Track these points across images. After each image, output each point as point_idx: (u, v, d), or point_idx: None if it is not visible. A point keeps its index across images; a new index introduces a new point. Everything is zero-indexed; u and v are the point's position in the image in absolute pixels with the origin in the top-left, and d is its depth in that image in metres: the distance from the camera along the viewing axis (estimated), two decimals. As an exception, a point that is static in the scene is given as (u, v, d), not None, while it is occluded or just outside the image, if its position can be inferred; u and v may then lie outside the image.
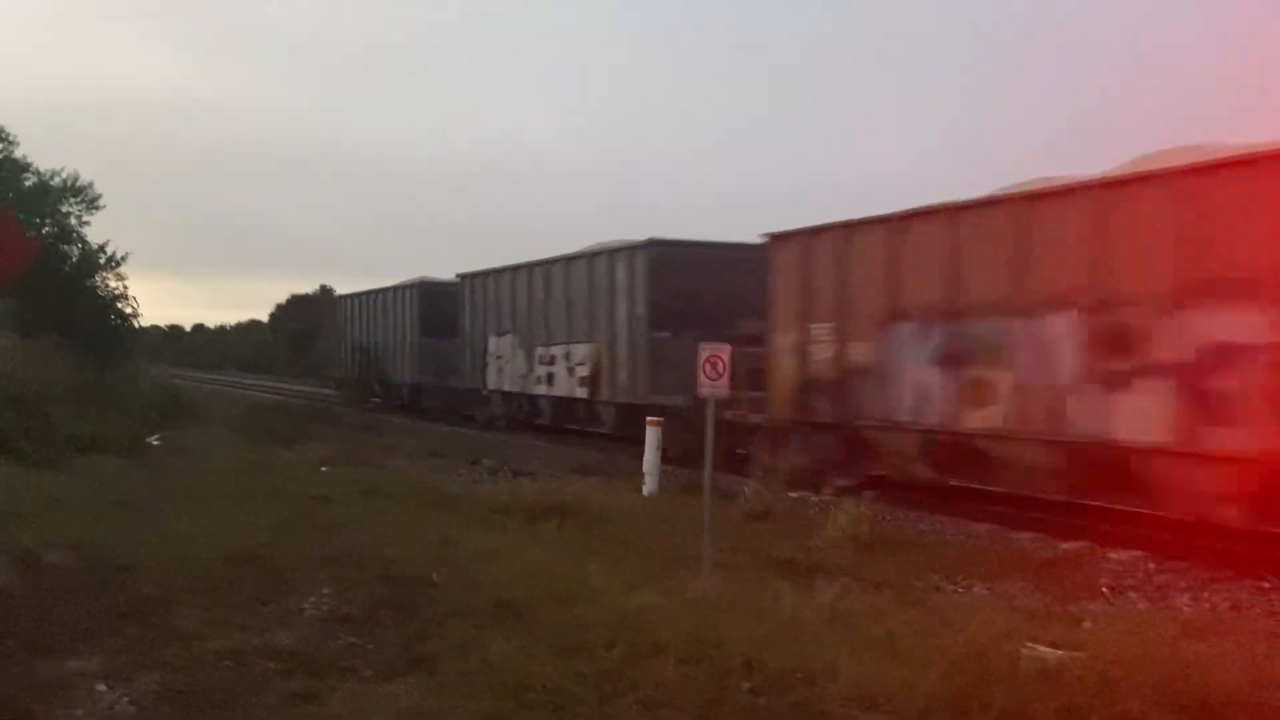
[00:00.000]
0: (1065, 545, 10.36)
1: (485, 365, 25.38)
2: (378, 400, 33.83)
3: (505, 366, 24.51)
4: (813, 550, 9.25)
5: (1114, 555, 9.89)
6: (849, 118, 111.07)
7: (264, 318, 78.59)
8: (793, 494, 13.17)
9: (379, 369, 32.96)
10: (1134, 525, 10.84)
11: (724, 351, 9.32)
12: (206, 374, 61.96)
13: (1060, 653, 6.11)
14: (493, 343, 25.02)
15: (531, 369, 22.91)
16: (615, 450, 18.54)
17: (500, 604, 7.01)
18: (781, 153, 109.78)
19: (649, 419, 14.60)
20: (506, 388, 24.33)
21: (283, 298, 74.11)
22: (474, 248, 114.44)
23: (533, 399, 23.20)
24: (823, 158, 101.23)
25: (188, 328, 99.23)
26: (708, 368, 9.06)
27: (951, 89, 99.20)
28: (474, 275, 26.22)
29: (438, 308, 29.01)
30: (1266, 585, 8.66)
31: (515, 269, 23.80)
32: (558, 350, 21.97)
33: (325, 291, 71.63)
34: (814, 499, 13.15)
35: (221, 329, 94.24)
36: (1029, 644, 6.35)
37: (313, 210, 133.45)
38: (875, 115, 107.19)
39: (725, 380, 9.15)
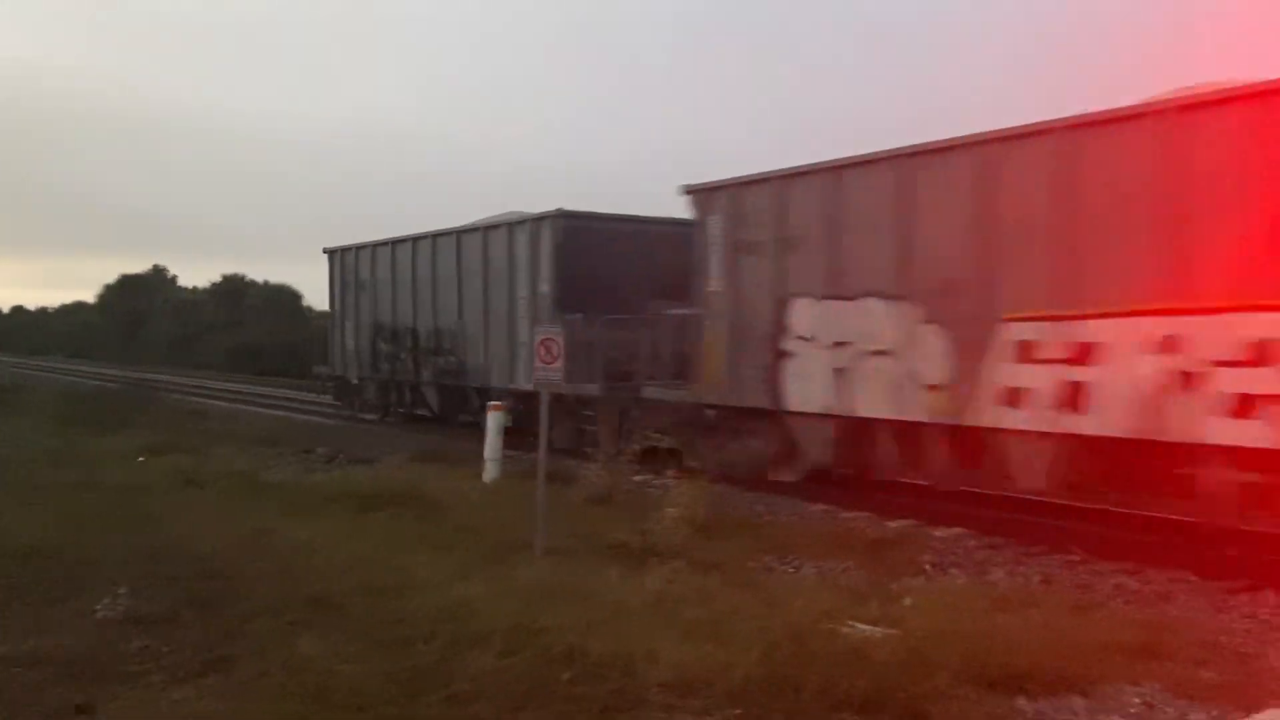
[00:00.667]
0: (893, 524, 10.65)
1: (776, 363, 12.60)
2: (403, 411, 21.74)
3: (858, 367, 11.56)
4: (648, 534, 9.17)
5: (938, 533, 10.21)
6: (693, 91, 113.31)
7: (91, 299, 74.33)
8: (637, 478, 13.12)
9: (439, 365, 19.87)
10: (958, 504, 11.22)
11: (558, 335, 9.16)
12: (27, 359, 58.19)
13: (878, 630, 6.23)
14: (803, 314, 12.31)
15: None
16: (458, 436, 17.93)
17: (315, 599, 6.69)
18: (630, 122, 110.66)
19: (490, 404, 14.25)
20: (862, 412, 11.53)
21: (112, 278, 70.28)
22: (333, 224, 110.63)
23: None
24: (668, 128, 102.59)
25: (6, 309, 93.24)
26: (542, 350, 8.88)
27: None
28: (741, 185, 13.15)
29: (589, 262, 16.17)
30: (1075, 558, 9.08)
31: (895, 157, 11.12)
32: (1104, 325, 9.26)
33: (158, 272, 68.18)
34: (656, 482, 13.15)
35: (44, 311, 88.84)
36: (850, 622, 6.45)
37: (145, 185, 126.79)
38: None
39: (560, 364, 8.98)
